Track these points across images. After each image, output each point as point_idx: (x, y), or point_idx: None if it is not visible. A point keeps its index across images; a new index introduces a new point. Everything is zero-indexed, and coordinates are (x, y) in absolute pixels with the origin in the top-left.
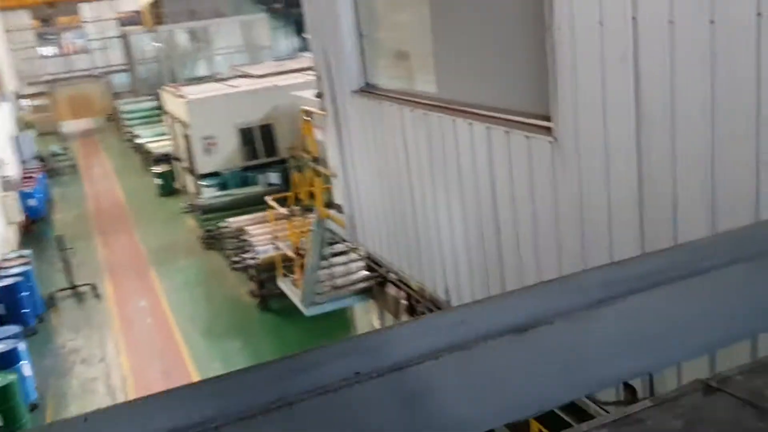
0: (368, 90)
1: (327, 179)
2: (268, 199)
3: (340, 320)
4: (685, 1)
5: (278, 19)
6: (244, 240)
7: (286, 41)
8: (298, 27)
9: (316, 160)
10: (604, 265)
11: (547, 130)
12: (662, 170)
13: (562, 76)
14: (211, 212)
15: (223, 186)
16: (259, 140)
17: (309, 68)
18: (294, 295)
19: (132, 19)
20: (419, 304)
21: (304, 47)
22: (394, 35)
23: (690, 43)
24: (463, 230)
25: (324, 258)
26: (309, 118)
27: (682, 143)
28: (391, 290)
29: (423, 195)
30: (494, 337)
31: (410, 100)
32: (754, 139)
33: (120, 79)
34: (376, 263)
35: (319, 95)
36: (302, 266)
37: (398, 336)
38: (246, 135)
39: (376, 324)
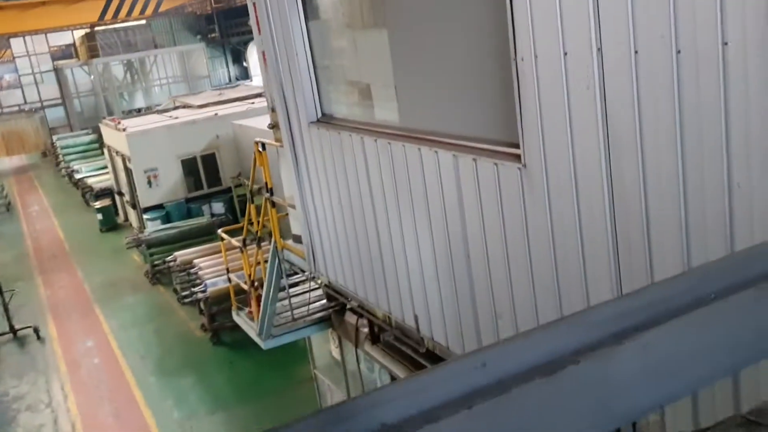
0: (326, 121)
1: (278, 210)
2: (220, 231)
3: (294, 351)
4: (651, 32)
5: (215, 49)
6: (193, 273)
7: (224, 70)
8: (235, 56)
9: (270, 190)
10: (613, 299)
11: (516, 157)
12: (633, 195)
13: (528, 103)
14: (156, 246)
15: (167, 218)
16: (202, 170)
17: (249, 97)
18: (250, 328)
19: (66, 53)
20: (385, 332)
21: (244, 75)
22: (353, 66)
23: (656, 73)
24: (431, 258)
25: (281, 289)
26: (262, 150)
27: (652, 169)
28: (351, 318)
29: (388, 224)
30: (524, 380)
31: (371, 130)
32: (723, 164)
33: (55, 114)
34: (337, 292)
35: (273, 126)
36: (258, 298)
37: (424, 384)
38: (189, 166)
39: (335, 353)
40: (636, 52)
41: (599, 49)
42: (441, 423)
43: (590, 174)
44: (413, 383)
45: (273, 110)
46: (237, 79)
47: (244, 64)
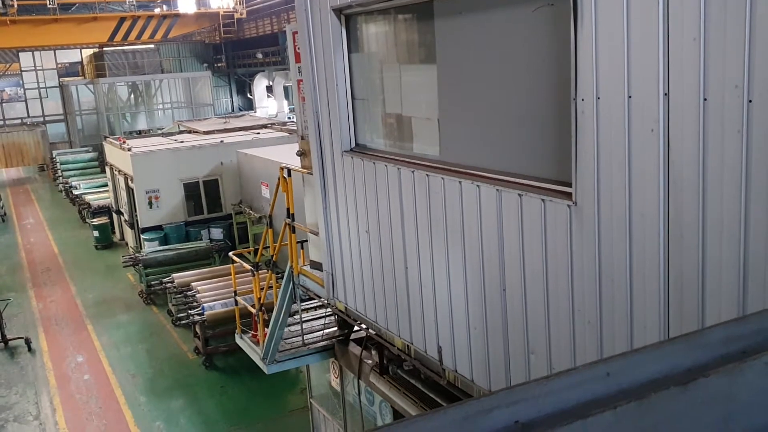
0: (361, 151)
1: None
2: (231, 254)
3: (286, 380)
4: (723, 80)
5: (221, 78)
6: (190, 296)
7: (228, 99)
8: (240, 86)
9: (292, 216)
10: (720, 323)
11: (566, 195)
12: (690, 239)
13: (585, 143)
14: (152, 266)
15: (165, 240)
16: (203, 195)
17: (254, 127)
18: (253, 352)
19: (70, 70)
20: (395, 363)
21: (248, 106)
22: (394, 99)
23: (724, 120)
24: (462, 290)
25: (291, 314)
26: (288, 176)
27: (713, 215)
28: (355, 349)
29: (418, 254)
30: (660, 388)
31: (409, 162)
32: None
33: (56, 129)
34: (353, 319)
35: (301, 153)
36: (264, 322)
37: (560, 385)
38: (191, 190)
39: (335, 383)
40: (705, 99)
41: (666, 95)
42: (587, 420)
43: (646, 215)
44: (541, 387)
45: (303, 138)
46: (240, 109)
47: (249, 95)
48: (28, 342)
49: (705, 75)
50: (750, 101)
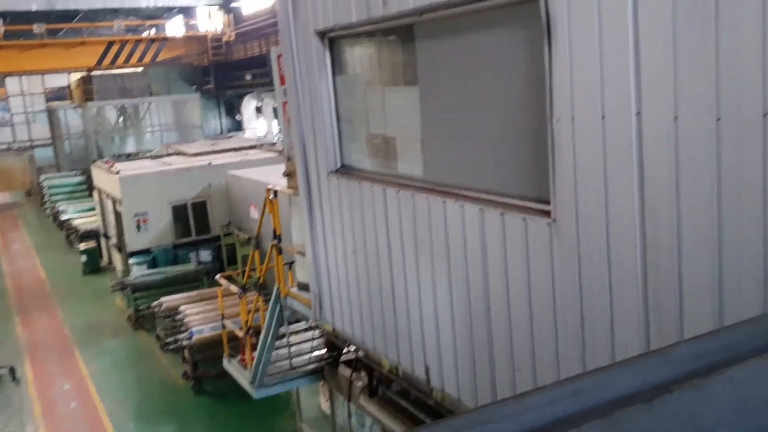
0: (346, 171)
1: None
2: (218, 277)
3: (276, 403)
4: (692, 99)
5: (209, 100)
6: (178, 320)
7: (216, 121)
8: (228, 108)
9: (278, 237)
10: (691, 338)
11: (545, 213)
12: (667, 257)
13: (562, 162)
14: (141, 290)
15: (153, 263)
16: (191, 217)
17: (243, 148)
18: (241, 376)
19: (58, 94)
20: (384, 385)
21: (236, 127)
22: (378, 120)
23: (696, 139)
24: (448, 309)
25: (279, 337)
26: (274, 197)
27: (689, 233)
28: (345, 371)
29: (404, 274)
30: (626, 405)
31: (394, 182)
32: (762, 230)
33: (43, 153)
34: (341, 341)
35: (288, 174)
36: (252, 346)
37: (530, 404)
38: (179, 212)
39: (325, 407)
40: (676, 117)
41: (638, 114)
42: None
43: (624, 233)
44: (523, 402)
45: (289, 159)
46: (229, 131)
47: (237, 116)
48: (12, 371)
49: (676, 94)
50: (719, 119)
